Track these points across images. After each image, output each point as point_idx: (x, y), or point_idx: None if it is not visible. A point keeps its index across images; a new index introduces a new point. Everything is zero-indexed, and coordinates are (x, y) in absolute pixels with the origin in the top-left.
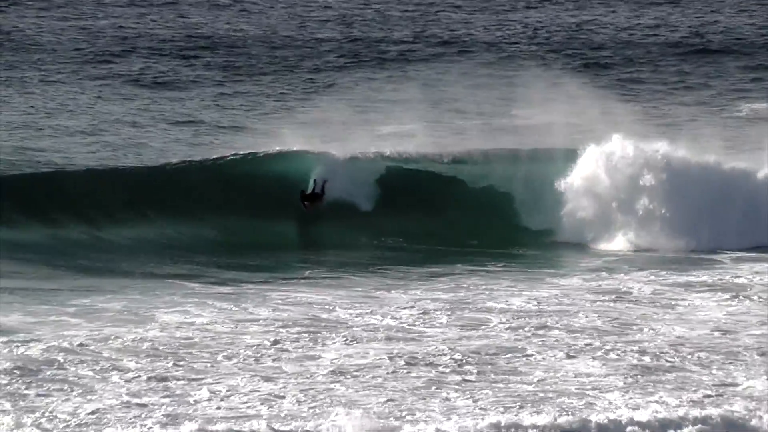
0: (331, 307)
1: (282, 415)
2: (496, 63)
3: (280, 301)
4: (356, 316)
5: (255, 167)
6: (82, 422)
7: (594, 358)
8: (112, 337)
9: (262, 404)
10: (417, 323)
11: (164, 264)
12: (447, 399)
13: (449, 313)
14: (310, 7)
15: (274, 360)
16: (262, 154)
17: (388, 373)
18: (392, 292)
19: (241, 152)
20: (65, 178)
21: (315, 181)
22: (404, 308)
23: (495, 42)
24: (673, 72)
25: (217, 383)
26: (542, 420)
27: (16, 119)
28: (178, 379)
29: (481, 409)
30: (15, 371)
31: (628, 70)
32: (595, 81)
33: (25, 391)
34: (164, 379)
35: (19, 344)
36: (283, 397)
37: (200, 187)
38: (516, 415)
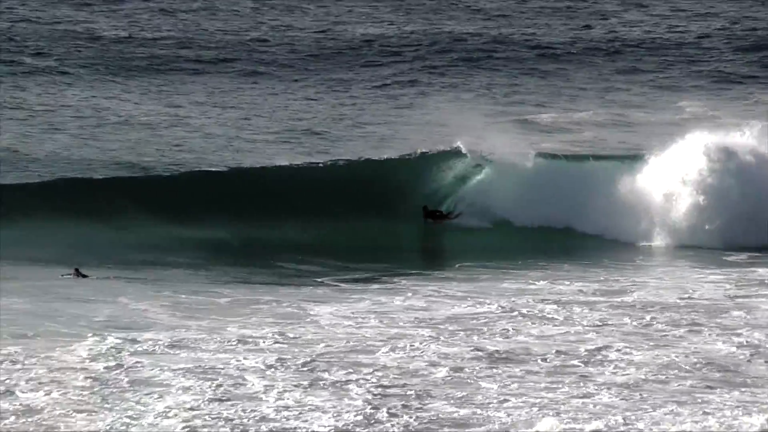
0: (484, 300)
1: (462, 406)
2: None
3: (433, 295)
4: (512, 309)
5: (403, 169)
6: (246, 424)
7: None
8: (270, 334)
9: (429, 396)
10: (554, 315)
11: (315, 262)
12: (595, 394)
13: (590, 306)
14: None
15: (431, 353)
16: (408, 156)
17: (539, 368)
18: (539, 282)
19: (399, 155)
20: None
21: (452, 207)
22: (542, 302)
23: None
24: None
25: (385, 377)
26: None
27: (166, 116)
28: (341, 375)
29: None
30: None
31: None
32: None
33: (175, 388)
34: (325, 372)
35: (172, 340)
36: (441, 389)
37: (362, 189)
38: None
